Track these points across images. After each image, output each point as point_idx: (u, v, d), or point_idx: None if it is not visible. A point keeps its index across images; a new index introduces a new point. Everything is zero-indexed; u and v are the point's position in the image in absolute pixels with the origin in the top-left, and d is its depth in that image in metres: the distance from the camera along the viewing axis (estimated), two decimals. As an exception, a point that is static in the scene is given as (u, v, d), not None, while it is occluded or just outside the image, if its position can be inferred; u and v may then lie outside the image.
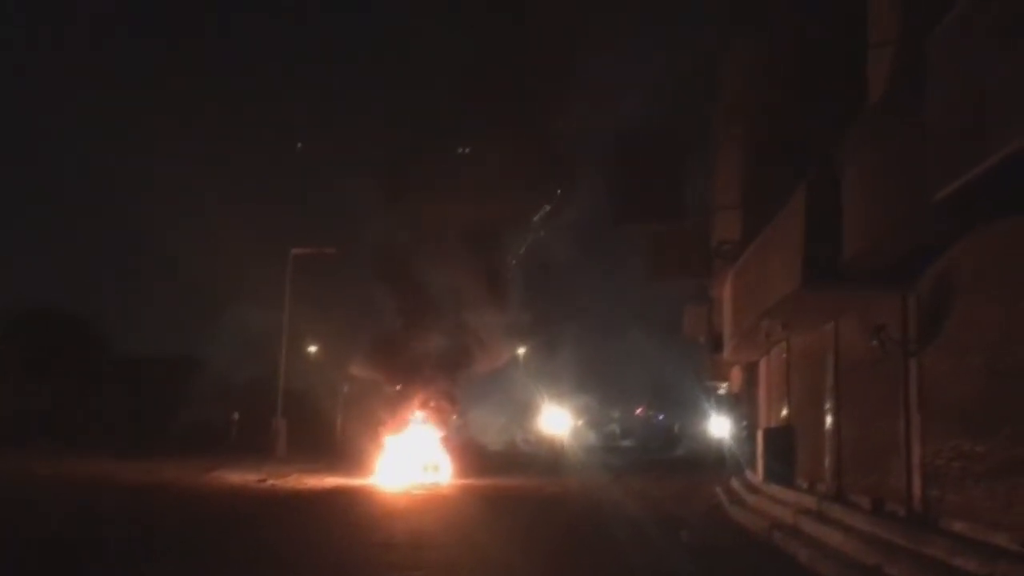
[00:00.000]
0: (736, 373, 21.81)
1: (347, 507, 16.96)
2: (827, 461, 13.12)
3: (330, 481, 21.74)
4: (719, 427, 38.45)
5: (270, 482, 20.86)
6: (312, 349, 42.59)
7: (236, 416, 31.55)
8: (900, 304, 10.46)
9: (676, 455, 39.10)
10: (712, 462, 30.11)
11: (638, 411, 72.63)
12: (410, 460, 23.59)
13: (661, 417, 73.87)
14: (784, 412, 16.13)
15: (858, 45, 11.40)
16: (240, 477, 21.56)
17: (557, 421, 50.88)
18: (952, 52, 6.76)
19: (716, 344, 22.82)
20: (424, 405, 27.10)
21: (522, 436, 47.80)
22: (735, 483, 19.16)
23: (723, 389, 31.66)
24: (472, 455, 27.96)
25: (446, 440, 25.89)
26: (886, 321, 10.60)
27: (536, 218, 26.86)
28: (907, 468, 10.18)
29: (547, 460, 34.29)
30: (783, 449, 15.22)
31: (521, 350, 51.69)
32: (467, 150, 25.42)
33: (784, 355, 16.08)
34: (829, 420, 13.14)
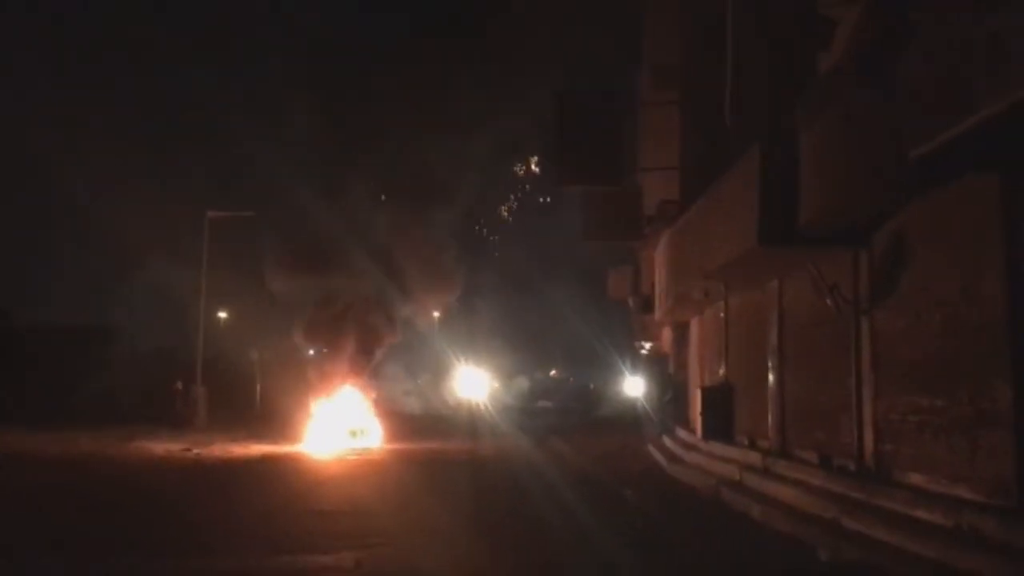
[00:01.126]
0: (666, 333, 22.05)
1: (280, 475, 16.57)
2: (770, 418, 13.34)
3: (256, 449, 21.23)
4: (636, 387, 39.06)
5: (195, 451, 20.26)
6: (222, 315, 41.54)
7: (179, 385, 30.38)
8: (852, 262, 10.61)
9: (597, 415, 39.43)
10: (632, 422, 30.57)
11: (552, 372, 73.44)
12: (339, 425, 23.20)
13: (572, 379, 74.87)
14: (721, 371, 16.36)
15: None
16: (163, 447, 20.88)
17: (474, 383, 50.94)
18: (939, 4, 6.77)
19: (646, 305, 23.04)
20: (348, 368, 26.64)
21: (440, 398, 47.70)
22: (668, 441, 19.43)
23: (645, 349, 32.14)
24: (393, 419, 27.69)
25: (374, 403, 25.57)
26: (837, 279, 10.77)
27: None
28: (858, 424, 10.39)
29: (466, 423, 34.26)
30: (722, 407, 15.46)
31: (436, 312, 51.56)
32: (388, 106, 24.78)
33: (721, 314, 16.27)
34: (772, 378, 13.35)
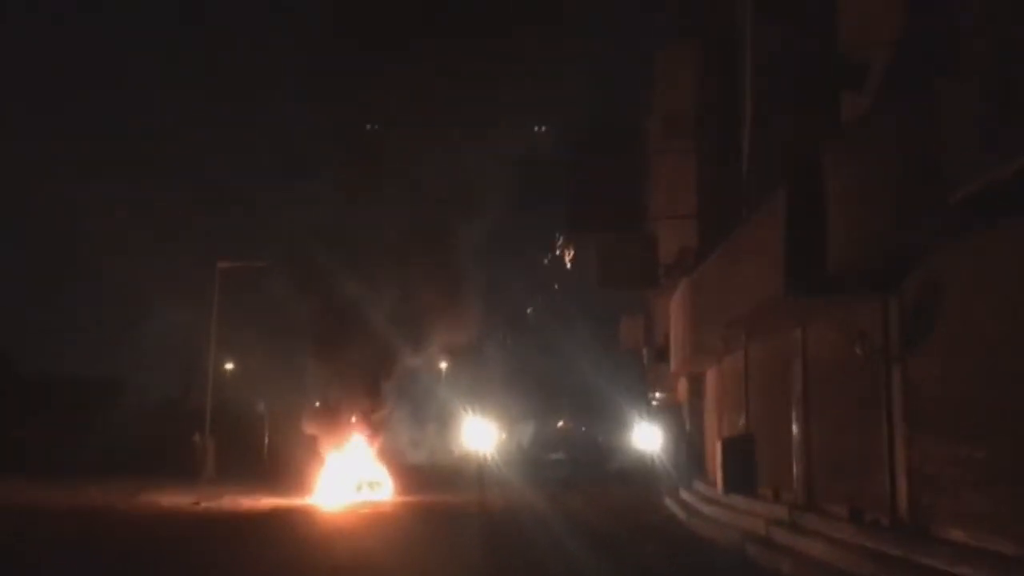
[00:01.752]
0: (682, 383, 21.75)
1: (290, 529, 16.22)
2: (795, 470, 12.99)
3: (266, 502, 20.83)
4: (648, 438, 38.52)
5: (203, 504, 19.87)
6: (229, 366, 41.30)
7: (197, 438, 29.92)
8: (881, 308, 10.37)
9: (609, 468, 38.88)
10: (646, 474, 30.06)
11: (560, 423, 72.73)
12: (349, 477, 22.82)
13: (583, 429, 74.14)
14: (741, 421, 16.02)
15: (822, 50, 11.43)
16: (171, 500, 20.49)
17: (481, 434, 50.36)
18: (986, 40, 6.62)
19: (659, 355, 22.74)
20: (357, 420, 26.28)
21: (449, 450, 47.16)
22: (685, 495, 19.02)
23: (657, 400, 31.73)
24: (400, 470, 27.28)
25: (381, 455, 25.18)
26: (865, 326, 10.53)
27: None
28: (891, 475, 10.07)
29: (474, 475, 33.72)
30: (744, 458, 15.06)
31: (443, 364, 51.24)
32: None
33: (741, 364, 15.99)
34: (796, 428, 13.02)
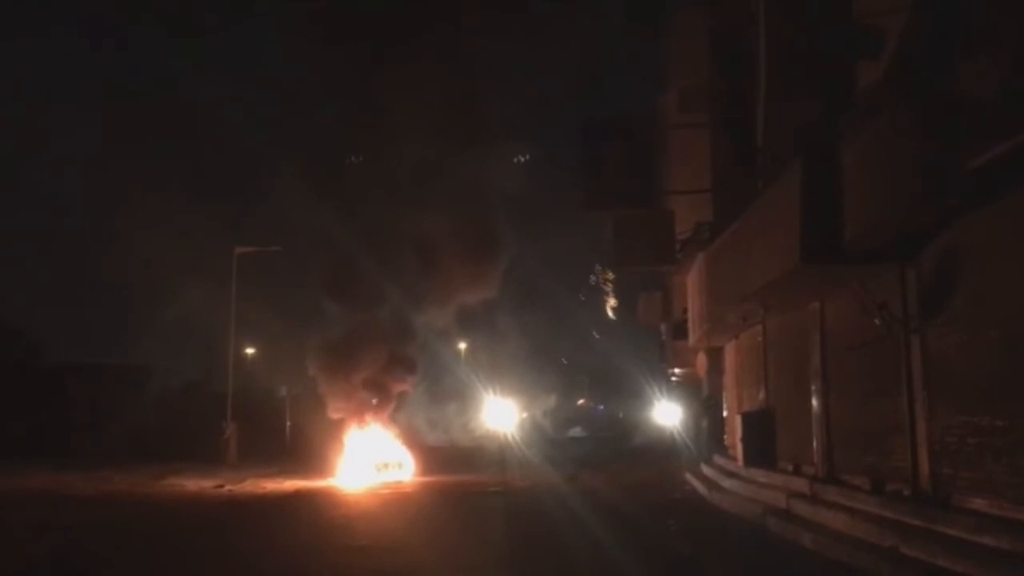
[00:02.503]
0: (701, 359, 21.69)
1: (313, 510, 16.33)
2: (815, 443, 12.97)
3: (289, 484, 21.00)
4: (667, 414, 38.50)
5: (228, 488, 20.06)
6: (250, 351, 41.57)
7: (225, 426, 30.04)
8: (899, 279, 10.30)
9: (629, 445, 38.92)
10: (666, 450, 30.05)
11: (580, 401, 72.82)
12: (370, 458, 22.95)
13: (601, 407, 74.26)
14: (761, 395, 15.99)
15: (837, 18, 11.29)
16: (196, 484, 20.69)
17: (501, 413, 50.50)
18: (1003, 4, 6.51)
19: (678, 330, 22.67)
20: (378, 402, 26.37)
21: (469, 430, 47.34)
22: (706, 469, 19.01)
23: (677, 375, 31.68)
24: (421, 451, 27.39)
25: (401, 436, 25.27)
26: (884, 297, 10.45)
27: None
28: (912, 447, 10.02)
29: (495, 454, 33.83)
30: (764, 432, 15.08)
31: (462, 344, 51.35)
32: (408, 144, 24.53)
33: (760, 337, 15.93)
34: (816, 401, 13.00)
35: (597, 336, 50.50)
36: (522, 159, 23.60)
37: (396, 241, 24.58)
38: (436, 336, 31.40)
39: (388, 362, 25.78)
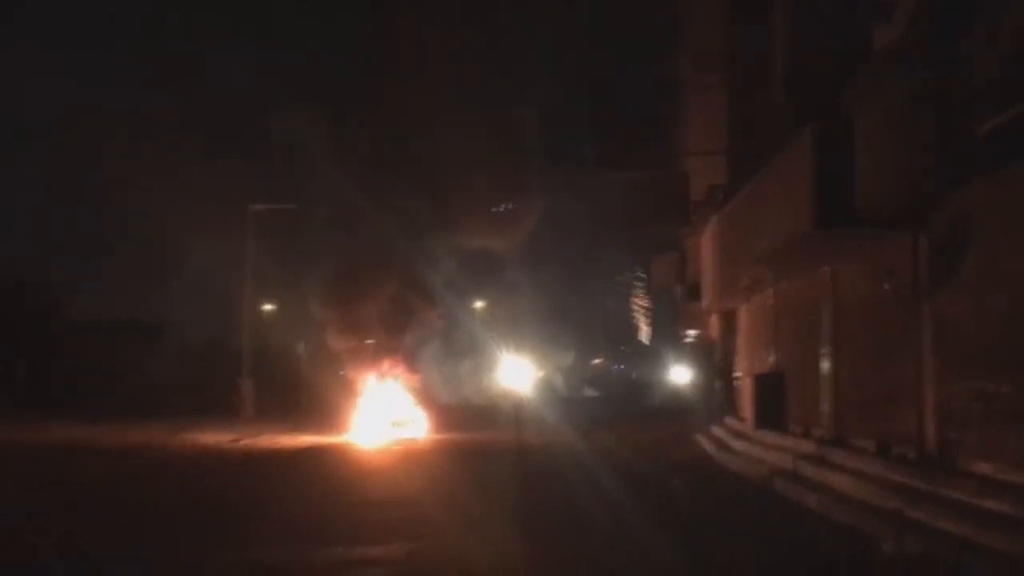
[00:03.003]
0: (714, 321, 21.73)
1: (327, 466, 16.60)
2: (824, 406, 13.04)
3: (304, 440, 21.32)
4: (681, 376, 38.61)
5: (243, 442, 20.41)
6: (267, 307, 41.81)
7: (240, 382, 30.40)
8: (910, 245, 10.27)
9: (643, 405, 39.10)
10: (678, 411, 30.18)
11: (596, 361, 73.05)
12: (383, 415, 23.20)
13: (616, 368, 74.52)
14: (772, 358, 16.05)
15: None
16: (212, 438, 21.04)
17: (517, 372, 50.71)
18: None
19: (691, 292, 22.67)
20: (391, 360, 26.60)
21: (484, 388, 47.62)
22: (717, 430, 19.14)
23: (691, 337, 31.71)
24: (435, 408, 27.64)
25: (416, 394, 25.52)
26: (895, 263, 10.45)
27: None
28: (918, 411, 10.08)
29: (510, 412, 34.05)
30: (774, 395, 15.14)
31: (479, 302, 51.51)
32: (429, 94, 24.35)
33: (771, 301, 15.95)
34: (826, 365, 13.04)
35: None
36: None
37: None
38: (452, 292, 31.55)
39: (401, 291, 25.84)
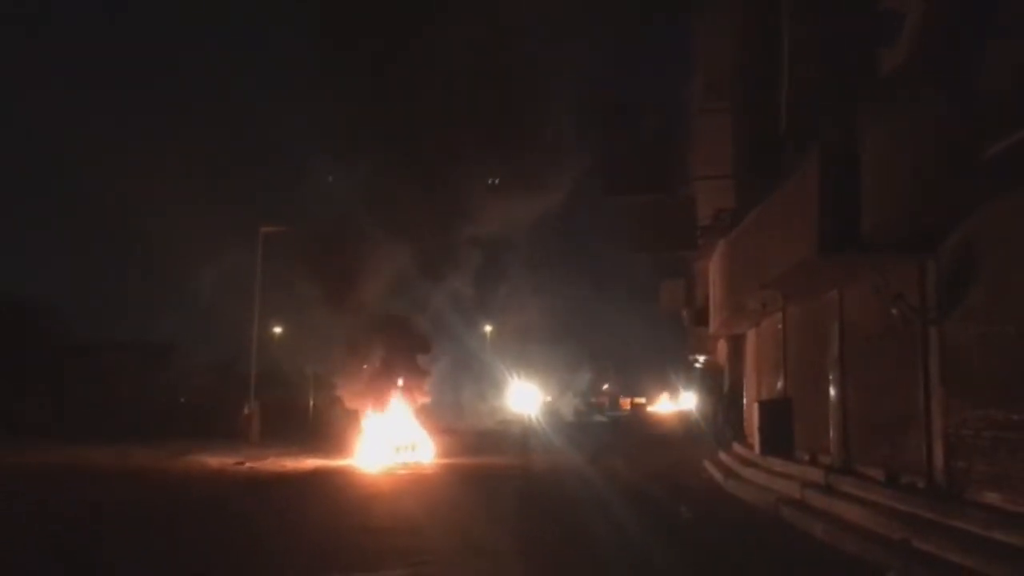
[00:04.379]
0: (722, 346, 21.59)
1: (331, 490, 16.46)
2: (832, 433, 12.89)
3: (309, 463, 21.22)
4: (689, 402, 38.47)
5: (248, 465, 20.30)
6: (277, 330, 41.79)
7: (247, 408, 30.33)
8: (918, 270, 10.19)
9: (651, 431, 38.91)
10: (686, 437, 30.01)
11: (604, 387, 72.93)
12: (389, 440, 23.09)
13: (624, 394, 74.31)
14: (779, 384, 15.90)
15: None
16: (218, 461, 20.97)
17: (525, 398, 50.69)
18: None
19: (699, 317, 22.54)
20: (398, 385, 26.48)
21: (492, 413, 47.53)
22: (725, 457, 18.96)
23: (699, 363, 31.59)
24: (442, 433, 27.54)
25: (423, 419, 25.40)
26: (902, 288, 10.34)
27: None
28: (927, 439, 9.94)
29: (517, 438, 33.94)
30: (781, 421, 14.96)
31: (488, 327, 51.48)
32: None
33: (779, 326, 15.83)
34: (834, 391, 12.90)
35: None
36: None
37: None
38: (460, 317, 31.48)
39: (400, 344, 25.85)
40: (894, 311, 10.22)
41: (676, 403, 44.16)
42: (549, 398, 56.59)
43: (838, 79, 11.43)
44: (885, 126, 9.33)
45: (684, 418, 37.02)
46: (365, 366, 28.70)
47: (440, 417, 33.09)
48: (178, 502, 14.42)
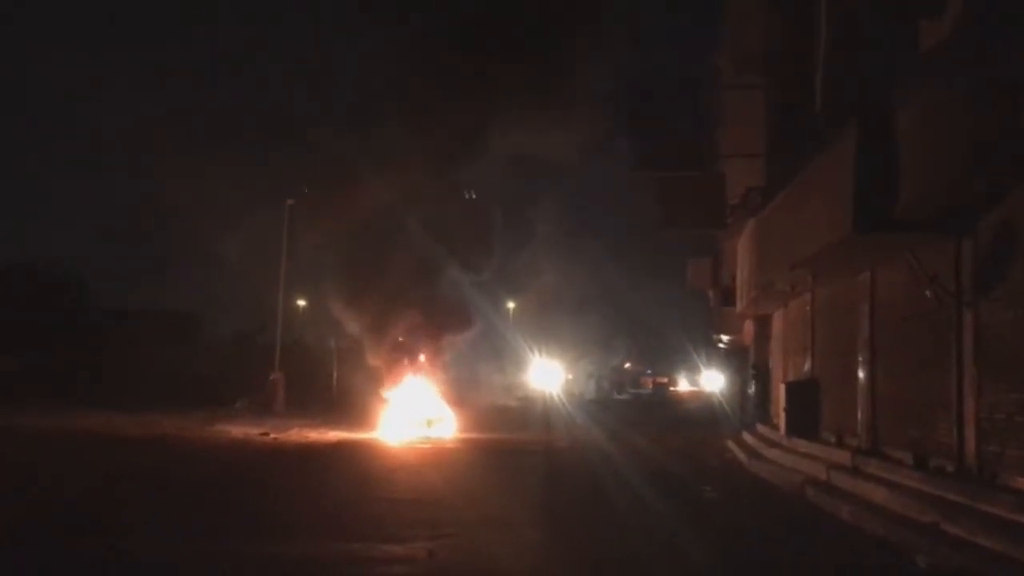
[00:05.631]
0: (748, 326, 21.43)
1: (353, 462, 16.54)
2: (859, 415, 12.75)
3: (332, 435, 21.33)
4: (713, 381, 38.29)
5: (272, 436, 20.43)
6: (302, 303, 42.00)
7: (273, 376, 30.55)
8: (954, 251, 9.99)
9: (674, 409, 38.81)
10: (710, 417, 29.89)
11: (627, 365, 72.78)
12: (412, 414, 23.16)
13: (649, 371, 74.25)
14: (807, 365, 15.75)
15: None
16: (242, 431, 21.13)
17: (547, 375, 50.70)
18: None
19: (726, 297, 22.36)
20: (421, 358, 26.51)
21: (515, 389, 47.61)
22: (749, 437, 18.86)
23: (724, 343, 31.40)
24: (465, 408, 27.59)
25: (446, 393, 25.45)
26: (937, 269, 10.16)
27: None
28: (958, 422, 9.79)
29: (540, 414, 33.98)
30: (808, 402, 14.84)
31: (511, 304, 51.49)
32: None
33: (808, 306, 15.66)
34: (862, 373, 12.75)
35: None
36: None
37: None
38: (484, 293, 31.43)
39: (425, 320, 25.84)
40: (927, 292, 10.04)
41: (699, 383, 43.93)
42: (571, 376, 56.60)
43: (876, 51, 11.20)
44: (923, 101, 9.13)
45: (707, 398, 36.81)
46: (400, 338, 28.73)
47: (463, 391, 33.19)
48: (201, 471, 14.51)
